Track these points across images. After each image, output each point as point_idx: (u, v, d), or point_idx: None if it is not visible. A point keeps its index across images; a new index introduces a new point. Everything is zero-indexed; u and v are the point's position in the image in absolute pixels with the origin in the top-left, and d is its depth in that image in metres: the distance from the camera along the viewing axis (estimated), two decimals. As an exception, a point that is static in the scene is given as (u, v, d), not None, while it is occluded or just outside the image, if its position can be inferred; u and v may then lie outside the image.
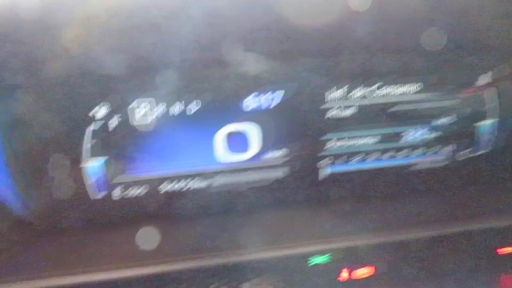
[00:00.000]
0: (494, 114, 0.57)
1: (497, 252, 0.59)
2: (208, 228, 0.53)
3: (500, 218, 0.56)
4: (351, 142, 0.55)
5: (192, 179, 0.53)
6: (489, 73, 0.55)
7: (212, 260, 0.51)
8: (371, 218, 0.56)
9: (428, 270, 0.57)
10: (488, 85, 0.55)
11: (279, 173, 0.55)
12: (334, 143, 0.55)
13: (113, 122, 0.49)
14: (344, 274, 0.56)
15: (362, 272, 0.56)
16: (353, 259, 0.55)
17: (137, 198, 0.52)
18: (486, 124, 0.57)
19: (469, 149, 0.59)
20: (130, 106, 0.49)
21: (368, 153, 0.56)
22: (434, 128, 0.56)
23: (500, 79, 0.55)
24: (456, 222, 0.55)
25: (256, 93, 0.50)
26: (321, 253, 0.54)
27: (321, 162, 0.55)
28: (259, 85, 0.50)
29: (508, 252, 0.59)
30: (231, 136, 0.51)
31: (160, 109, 0.49)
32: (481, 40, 0.52)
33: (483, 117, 0.57)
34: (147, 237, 0.51)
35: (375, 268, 0.56)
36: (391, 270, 0.57)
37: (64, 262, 0.48)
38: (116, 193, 0.51)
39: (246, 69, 0.49)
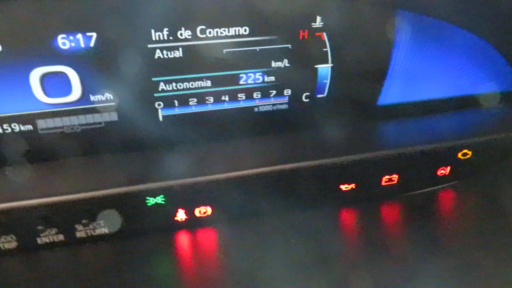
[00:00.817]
0: (331, 57, 0.58)
1: (340, 188, 0.63)
2: (33, 176, 0.53)
3: (342, 157, 0.59)
4: (186, 84, 0.55)
5: (14, 122, 0.51)
6: (325, 15, 0.55)
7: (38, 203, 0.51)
8: (213, 160, 0.58)
9: (270, 206, 0.61)
10: (325, 28, 0.56)
11: (112, 116, 0.54)
12: (169, 85, 0.54)
13: None
14: (181, 214, 0.58)
15: (200, 211, 0.59)
16: (190, 199, 0.57)
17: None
18: (325, 67, 0.59)
19: (309, 93, 0.60)
20: None
21: (206, 95, 0.56)
22: (273, 71, 0.57)
23: (337, 21, 0.56)
24: (299, 159, 0.58)
25: (66, 33, 0.48)
26: (156, 193, 0.55)
27: (157, 103, 0.55)
28: (69, 24, 0.47)
29: (348, 188, 0.63)
30: (48, 78, 0.49)
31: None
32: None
33: (321, 60, 0.58)
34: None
35: (212, 208, 0.59)
36: (229, 208, 0.60)
37: None
38: None
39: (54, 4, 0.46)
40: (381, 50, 0.60)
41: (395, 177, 0.64)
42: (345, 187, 0.64)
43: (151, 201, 0.56)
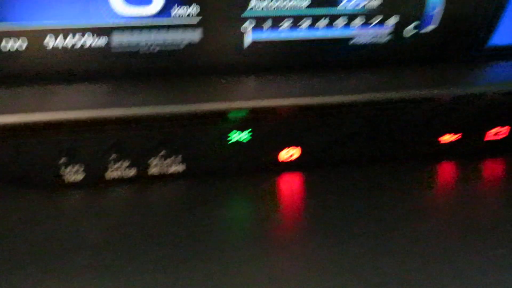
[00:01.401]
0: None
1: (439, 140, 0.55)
2: (110, 93, 0.46)
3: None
4: (279, 3, 0.47)
5: (85, 35, 0.44)
6: None
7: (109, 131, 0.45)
8: (301, 90, 0.50)
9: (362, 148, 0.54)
10: None
11: (194, 35, 0.47)
12: (262, 1, 0.46)
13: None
14: (265, 156, 0.52)
15: (289, 153, 0.52)
16: (277, 137, 0.51)
17: (17, 53, 0.44)
18: (438, -7, 0.50)
19: (417, 23, 0.52)
20: None
21: (299, 18, 0.48)
22: (378, -6, 0.49)
23: None
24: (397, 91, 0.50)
25: None
26: (241, 126, 0.48)
27: (244, 25, 0.47)
28: None
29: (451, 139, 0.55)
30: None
31: None
32: None
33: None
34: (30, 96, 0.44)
35: (301, 149, 0.52)
36: (318, 150, 0.53)
37: None
38: (-10, 45, 0.43)
39: None
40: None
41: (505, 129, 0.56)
42: (448, 137, 0.55)
43: (234, 137, 0.49)
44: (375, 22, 0.50)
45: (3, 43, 0.43)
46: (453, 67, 0.54)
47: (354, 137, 0.51)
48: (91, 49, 0.45)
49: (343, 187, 0.52)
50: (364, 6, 0.49)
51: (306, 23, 0.49)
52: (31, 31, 0.43)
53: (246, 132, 0.49)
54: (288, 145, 0.52)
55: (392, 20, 0.50)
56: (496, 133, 0.56)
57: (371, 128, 0.52)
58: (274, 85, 0.49)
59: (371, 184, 0.52)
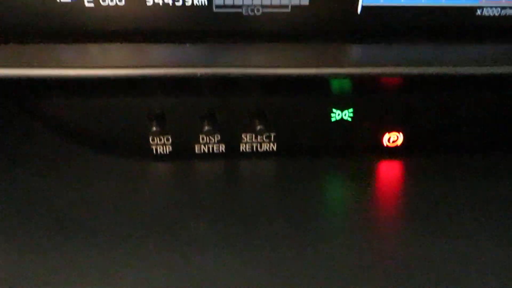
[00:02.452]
0: None
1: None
2: (210, 52, 0.42)
3: None
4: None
5: (189, -10, 0.40)
6: None
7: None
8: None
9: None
10: None
11: (303, -1, 0.42)
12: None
13: None
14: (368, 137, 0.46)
15: (392, 137, 0.46)
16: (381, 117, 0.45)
17: (117, 8, 0.40)
18: None
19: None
20: None
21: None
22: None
23: None
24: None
25: None
26: (344, 105, 0.43)
27: (360, -14, 0.42)
28: None
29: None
30: None
31: None
32: None
33: None
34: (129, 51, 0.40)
35: (405, 134, 0.46)
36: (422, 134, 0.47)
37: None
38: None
39: None
40: None
41: None
42: None
43: (337, 115, 0.44)
44: (507, -9, 0.44)
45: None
46: None
47: (470, 119, 0.45)
48: (193, 7, 0.41)
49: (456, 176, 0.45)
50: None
51: (429, -12, 0.43)
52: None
53: (348, 111, 0.44)
54: (392, 129, 0.46)
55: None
56: None
57: (492, 108, 0.45)
58: (383, 54, 0.43)
59: (486, 174, 0.46)
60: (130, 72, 0.37)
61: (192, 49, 0.41)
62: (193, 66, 0.39)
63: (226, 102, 0.43)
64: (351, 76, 0.42)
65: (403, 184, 0.46)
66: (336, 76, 0.40)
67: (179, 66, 0.37)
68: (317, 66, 0.40)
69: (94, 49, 0.40)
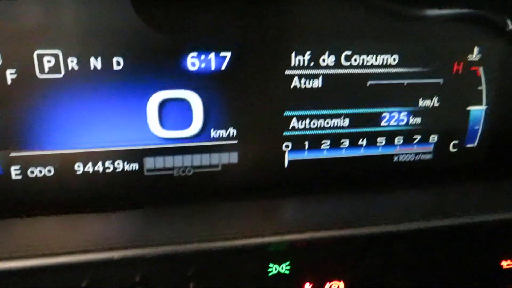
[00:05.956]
0: (486, 98, 0.48)
1: (502, 266, 0.49)
2: (141, 223, 0.42)
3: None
4: (321, 122, 0.45)
5: (118, 158, 0.42)
6: (483, 46, 0.46)
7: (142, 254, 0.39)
8: (345, 215, 0.45)
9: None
10: (482, 61, 0.47)
11: (232, 158, 0.44)
12: (302, 122, 0.45)
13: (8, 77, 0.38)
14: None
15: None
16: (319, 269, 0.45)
17: (45, 179, 0.40)
18: (478, 109, 0.49)
19: (459, 139, 0.50)
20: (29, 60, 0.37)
21: (342, 137, 0.46)
22: (419, 112, 0.47)
23: (496, 54, 0.47)
24: (444, 217, 0.45)
25: (196, 52, 0.40)
26: (281, 259, 0.43)
27: (285, 144, 0.45)
28: (199, 42, 0.40)
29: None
30: (168, 105, 0.41)
31: (70, 65, 0.38)
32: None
33: (475, 101, 0.48)
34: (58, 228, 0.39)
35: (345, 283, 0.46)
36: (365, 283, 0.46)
37: None
38: (15, 172, 0.40)
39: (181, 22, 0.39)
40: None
41: None
42: (508, 264, 0.49)
43: (274, 269, 0.43)
44: (418, 139, 0.48)
45: (31, 168, 0.40)
46: (501, 185, 0.51)
47: (404, 266, 0.46)
48: (124, 173, 0.42)
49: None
50: (406, 123, 0.47)
51: (347, 142, 0.47)
52: (61, 155, 0.41)
53: (284, 264, 0.43)
54: (332, 278, 0.45)
55: (435, 137, 0.49)
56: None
57: (422, 256, 0.46)
58: (314, 212, 0.45)
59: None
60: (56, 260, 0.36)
61: (117, 222, 0.41)
62: (111, 249, 0.38)
63: (161, 269, 0.42)
64: (285, 243, 0.42)
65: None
66: (269, 245, 0.41)
67: (96, 250, 0.36)
68: (253, 236, 0.40)
69: (18, 228, 0.38)
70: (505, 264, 0.49)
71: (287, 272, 0.44)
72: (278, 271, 0.43)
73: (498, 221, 0.46)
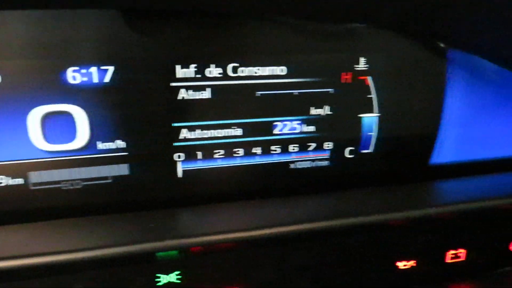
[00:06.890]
0: (377, 106, 0.50)
1: (397, 265, 0.51)
2: (27, 238, 0.41)
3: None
4: (212, 132, 0.46)
5: (1, 174, 0.41)
6: (370, 57, 0.49)
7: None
8: (241, 223, 0.46)
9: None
10: (370, 71, 0.49)
11: (122, 170, 0.45)
12: (192, 132, 0.46)
13: None
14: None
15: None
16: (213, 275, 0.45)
17: None
18: (371, 117, 0.51)
19: (354, 146, 0.52)
20: None
21: (235, 146, 0.47)
22: (312, 120, 0.49)
23: (383, 63, 0.49)
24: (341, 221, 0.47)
25: (77, 66, 0.40)
26: (171, 269, 0.43)
27: (177, 155, 0.46)
28: (80, 56, 0.40)
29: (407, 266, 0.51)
30: (50, 119, 0.41)
31: None
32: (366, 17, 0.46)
33: (366, 109, 0.50)
34: None
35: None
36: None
37: None
38: None
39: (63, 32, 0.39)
40: (434, 97, 0.52)
41: (461, 252, 0.53)
42: (404, 265, 0.51)
43: (163, 279, 0.43)
44: (313, 146, 0.50)
45: None
46: (398, 189, 0.53)
47: (301, 269, 0.47)
48: (8, 187, 0.42)
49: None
50: (299, 131, 0.49)
51: (241, 151, 0.48)
52: None
53: (174, 274, 0.44)
54: (229, 284, 0.46)
55: (330, 144, 0.50)
56: (453, 256, 0.53)
57: (320, 259, 0.48)
58: (208, 220, 0.46)
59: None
60: None
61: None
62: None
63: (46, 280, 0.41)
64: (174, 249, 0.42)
65: None
66: (154, 251, 0.41)
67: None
68: (145, 241, 0.41)
69: None
70: (401, 264, 0.52)
71: (178, 281, 0.44)
72: (168, 281, 0.44)
73: (395, 222, 0.49)
